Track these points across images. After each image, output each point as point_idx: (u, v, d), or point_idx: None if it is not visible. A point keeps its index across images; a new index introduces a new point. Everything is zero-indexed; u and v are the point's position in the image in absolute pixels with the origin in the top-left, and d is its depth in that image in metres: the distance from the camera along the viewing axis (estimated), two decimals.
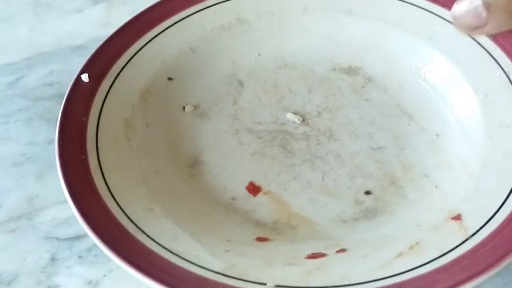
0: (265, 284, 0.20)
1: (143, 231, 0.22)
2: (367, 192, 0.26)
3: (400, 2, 0.31)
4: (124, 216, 0.23)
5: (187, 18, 0.31)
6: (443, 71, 0.29)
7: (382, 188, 0.26)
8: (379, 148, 0.28)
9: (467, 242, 0.21)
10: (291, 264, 0.22)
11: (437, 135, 0.28)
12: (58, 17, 0.36)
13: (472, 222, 0.22)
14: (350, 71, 0.32)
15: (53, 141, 0.26)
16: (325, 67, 0.32)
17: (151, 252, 0.21)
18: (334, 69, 0.32)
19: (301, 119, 0.30)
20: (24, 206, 0.27)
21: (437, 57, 0.30)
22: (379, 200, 0.25)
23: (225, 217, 0.25)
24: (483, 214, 0.22)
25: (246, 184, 0.27)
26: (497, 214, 0.22)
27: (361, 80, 0.31)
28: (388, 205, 0.25)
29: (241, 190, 0.27)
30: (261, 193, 0.26)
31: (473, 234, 0.21)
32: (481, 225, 0.21)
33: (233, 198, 0.26)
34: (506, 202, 0.22)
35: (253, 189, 0.26)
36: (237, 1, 0.32)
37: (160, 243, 0.22)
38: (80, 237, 0.25)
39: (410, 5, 0.31)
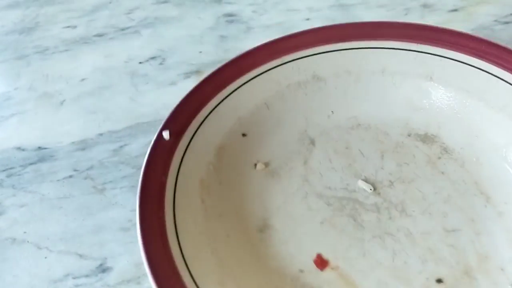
0: None
1: None
2: (439, 281, 0.25)
3: (486, 74, 0.30)
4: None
5: (264, 74, 0.31)
6: None
7: (455, 277, 0.25)
8: (453, 230, 0.27)
9: None
10: None
11: None
12: (154, 88, 0.38)
13: None
14: (426, 138, 0.30)
15: None
16: (400, 131, 0.30)
17: None
18: (409, 135, 0.30)
19: (372, 188, 0.28)
20: (133, 270, 0.28)
21: None
22: None
23: None
24: None
25: (314, 256, 0.26)
26: None
27: (437, 150, 0.30)
28: None
29: (308, 262, 0.26)
30: (328, 267, 0.26)
31: None
32: None
33: (301, 271, 0.25)
34: None
35: (321, 262, 0.26)
36: (315, 59, 0.32)
37: None
38: None
39: (497, 78, 0.29)
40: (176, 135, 0.28)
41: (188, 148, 0.28)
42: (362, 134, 0.31)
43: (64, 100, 0.39)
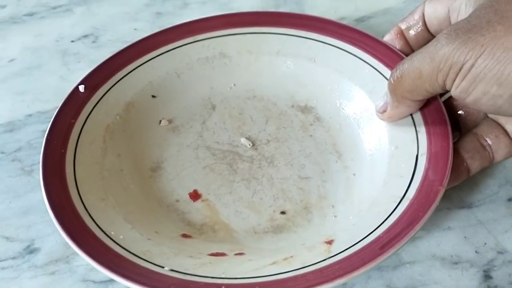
0: (163, 267, 0.25)
1: (90, 215, 0.28)
2: (283, 212, 0.31)
3: (354, 58, 0.36)
4: (80, 202, 0.28)
5: (177, 49, 0.37)
6: (373, 121, 0.34)
7: (296, 210, 0.31)
8: (306, 178, 0.33)
9: (323, 261, 0.25)
10: (192, 257, 0.27)
11: (354, 174, 0.32)
12: (85, 66, 0.37)
13: (337, 247, 0.26)
14: (305, 109, 0.36)
15: None
16: (286, 103, 0.36)
17: (89, 231, 0.27)
18: (293, 106, 0.36)
19: (251, 144, 0.34)
20: (61, 250, 0.29)
21: (372, 109, 0.34)
22: (289, 220, 0.30)
23: (165, 214, 0.31)
24: (347, 242, 0.26)
25: (191, 190, 0.32)
26: (355, 245, 0.25)
27: (311, 119, 0.36)
28: (295, 225, 0.30)
29: (185, 195, 0.32)
30: (200, 200, 0.32)
31: (330, 257, 0.25)
32: (339, 251, 0.25)
33: (177, 200, 0.32)
34: (366, 237, 0.26)
35: (195, 195, 0.32)
36: (223, 39, 0.38)
37: (99, 224, 0.27)
38: (114, 280, 0.25)
39: (362, 61, 0.36)
40: (91, 89, 0.34)
41: (100, 101, 0.34)
42: (255, 104, 0.38)
43: None
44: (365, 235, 0.26)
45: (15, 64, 0.39)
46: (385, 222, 0.26)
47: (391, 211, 0.27)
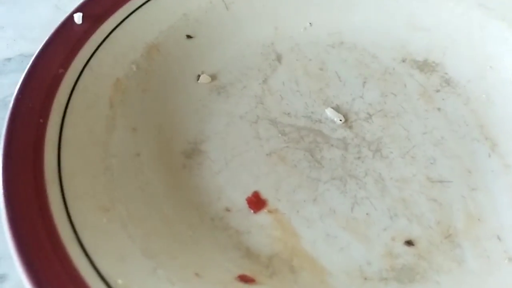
0: None
1: (81, 243, 0.16)
2: (409, 243, 0.19)
3: None
4: (65, 215, 0.17)
5: None
6: None
7: (432, 241, 0.19)
8: (440, 182, 0.21)
9: None
10: None
11: None
12: None
13: None
14: (425, 66, 0.24)
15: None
16: (392, 55, 0.25)
17: (78, 278, 0.15)
18: (404, 60, 0.25)
19: (343, 120, 0.22)
20: None
21: None
22: (422, 257, 0.19)
23: (208, 234, 0.19)
24: None
25: (249, 193, 0.20)
26: None
27: (436, 81, 0.23)
28: (434, 269, 0.18)
29: (240, 201, 0.20)
30: (265, 209, 0.20)
31: None
32: None
33: (227, 210, 0.20)
34: None
35: (257, 202, 0.20)
36: None
37: (96, 264, 0.16)
38: None
39: None
40: (93, 21, 0.21)
41: (107, 40, 0.22)
42: (344, 55, 0.25)
43: None
44: None
45: None
46: None
47: None
